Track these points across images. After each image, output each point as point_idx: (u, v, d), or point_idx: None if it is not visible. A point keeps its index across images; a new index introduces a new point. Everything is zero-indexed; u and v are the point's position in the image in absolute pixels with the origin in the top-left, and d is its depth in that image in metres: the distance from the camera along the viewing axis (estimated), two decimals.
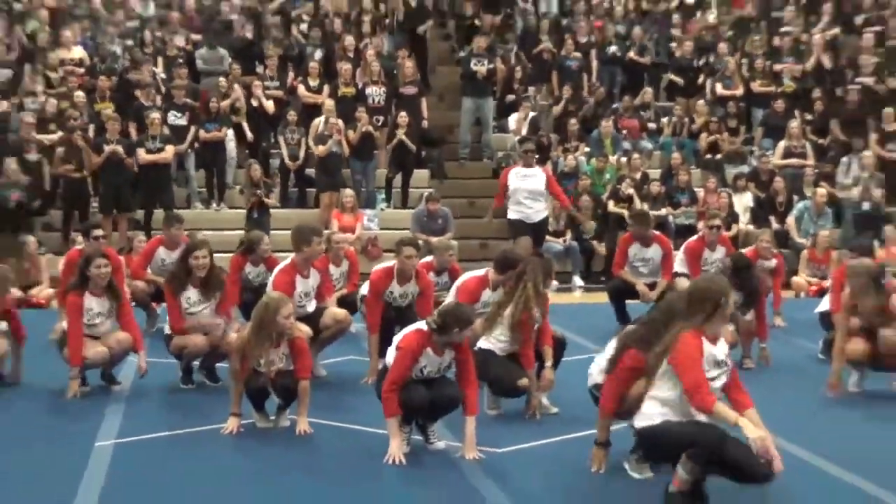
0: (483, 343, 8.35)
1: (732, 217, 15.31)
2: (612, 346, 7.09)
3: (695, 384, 5.90)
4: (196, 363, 9.59)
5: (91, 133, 16.41)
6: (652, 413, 6.22)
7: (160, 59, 18.25)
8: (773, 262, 11.99)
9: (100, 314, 9.18)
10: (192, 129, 16.88)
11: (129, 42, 18.61)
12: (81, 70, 17.72)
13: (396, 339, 7.41)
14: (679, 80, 19.76)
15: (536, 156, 15.20)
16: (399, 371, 7.03)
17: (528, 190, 13.89)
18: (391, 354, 7.25)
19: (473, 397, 7.26)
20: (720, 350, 6.26)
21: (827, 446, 7.61)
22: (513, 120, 18.70)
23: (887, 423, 8.61)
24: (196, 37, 18.82)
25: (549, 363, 8.54)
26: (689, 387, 5.94)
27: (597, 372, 7.30)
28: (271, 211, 16.44)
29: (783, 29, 20.54)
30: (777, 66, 19.54)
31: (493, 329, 8.34)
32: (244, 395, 7.94)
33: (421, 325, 7.28)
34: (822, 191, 16.70)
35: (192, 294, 9.30)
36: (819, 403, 9.19)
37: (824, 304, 11.04)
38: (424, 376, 7.26)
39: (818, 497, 6.72)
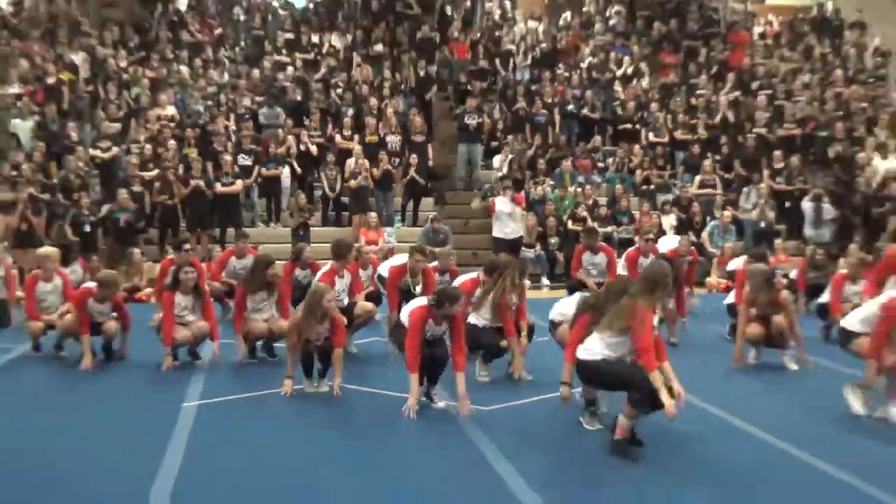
0: (472, 319, 8.57)
1: (661, 233, 15.29)
2: (568, 302, 7.79)
3: (647, 347, 6.12)
4: (259, 343, 9.68)
5: (180, 171, 16.43)
6: (594, 349, 6.41)
7: (232, 116, 18.29)
8: (689, 258, 12.02)
9: (186, 308, 9.29)
10: (256, 168, 16.93)
11: (209, 102, 18.62)
12: (173, 124, 17.77)
13: (405, 310, 7.87)
14: (623, 128, 19.74)
15: (513, 190, 15.53)
16: (414, 337, 7.30)
17: (507, 213, 13.95)
18: (404, 318, 7.70)
19: (462, 359, 7.47)
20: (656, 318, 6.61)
21: (732, 404, 7.68)
22: (496, 160, 18.77)
23: (777, 386, 8.75)
24: (259, 99, 18.79)
25: (524, 334, 8.83)
26: (642, 348, 6.14)
27: (555, 314, 8.21)
28: (313, 229, 16.45)
29: (698, 92, 20.55)
30: (693, 120, 19.55)
31: (479, 309, 8.60)
32: (297, 363, 8.12)
33: (423, 301, 7.59)
34: (728, 213, 16.77)
35: (259, 296, 9.43)
36: (726, 372, 9.28)
37: (730, 298, 11.12)
38: (427, 339, 7.53)
39: (722, 441, 6.77)
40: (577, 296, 7.97)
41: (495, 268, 8.66)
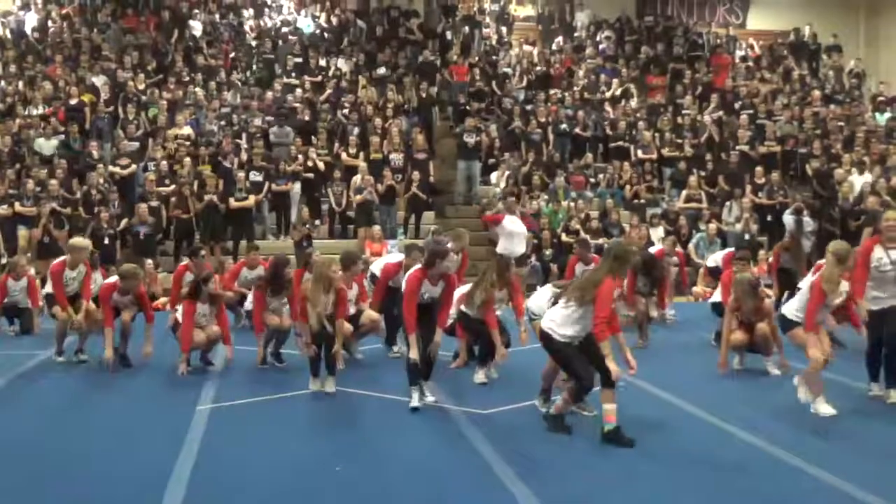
0: (464, 308, 8.78)
1: (650, 244, 15.26)
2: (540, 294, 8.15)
3: (604, 318, 6.42)
4: (270, 349, 9.65)
5: (195, 187, 16.41)
6: (556, 316, 6.80)
7: (244, 135, 18.26)
8: (675, 259, 12.04)
9: (204, 315, 9.29)
10: (267, 184, 16.91)
11: (223, 122, 18.65)
12: (188, 142, 17.76)
13: (405, 278, 7.99)
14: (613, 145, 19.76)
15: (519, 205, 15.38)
16: (410, 298, 7.52)
17: (516, 232, 13.63)
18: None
19: (445, 315, 7.85)
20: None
21: (718, 406, 7.66)
22: (494, 176, 18.78)
23: (762, 391, 8.66)
24: (269, 119, 18.80)
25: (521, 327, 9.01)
26: (600, 318, 6.43)
27: (534, 305, 8.45)
28: (321, 241, 16.43)
29: (684, 112, 20.60)
30: (679, 139, 19.57)
31: (470, 301, 8.71)
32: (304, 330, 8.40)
33: (418, 266, 7.93)
34: (713, 226, 16.77)
35: (272, 300, 9.58)
36: (711, 375, 9.19)
37: (716, 297, 11.06)
38: (425, 301, 7.67)
39: (707, 441, 6.76)
40: (548, 287, 8.72)
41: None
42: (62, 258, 10.42)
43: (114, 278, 9.76)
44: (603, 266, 6.95)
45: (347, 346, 9.52)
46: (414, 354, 7.44)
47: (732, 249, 12.08)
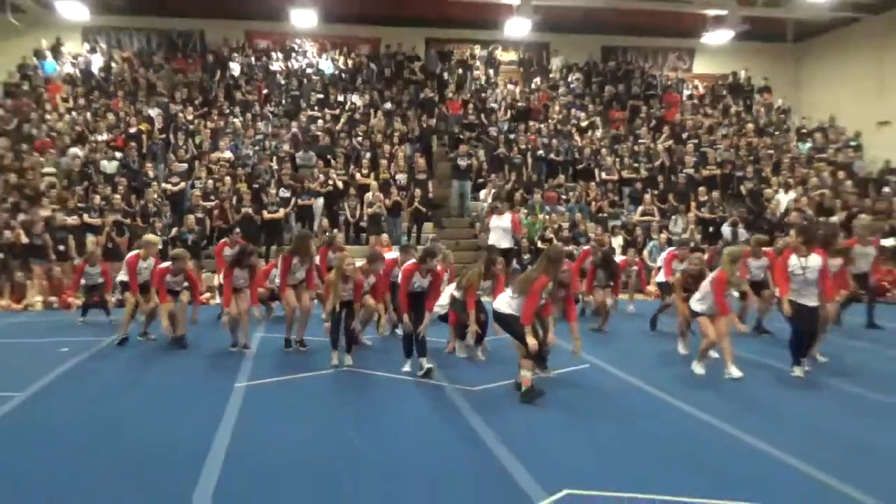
0: (455, 292, 9.11)
1: (612, 251, 15.25)
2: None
3: (530, 309, 7.07)
4: (293, 337, 9.75)
5: (234, 201, 16.47)
6: (502, 303, 7.40)
7: (275, 158, 18.32)
8: (635, 267, 12.31)
9: (241, 279, 9.68)
10: (294, 199, 16.97)
11: (256, 148, 18.71)
12: (228, 164, 17.83)
13: (401, 270, 8.57)
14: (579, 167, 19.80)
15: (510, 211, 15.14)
16: (406, 286, 8.21)
17: (502, 228, 13.54)
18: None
19: (432, 302, 8.38)
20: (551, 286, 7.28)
21: (652, 378, 7.76)
22: (482, 194, 18.79)
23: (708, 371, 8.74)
24: (296, 144, 18.88)
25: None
26: (527, 310, 7.06)
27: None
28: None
29: (640, 141, 20.70)
30: (636, 163, 19.65)
31: (459, 284, 9.06)
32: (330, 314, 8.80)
33: (413, 259, 8.74)
34: (664, 235, 16.74)
35: (297, 261, 9.75)
36: (657, 357, 9.31)
37: (661, 277, 11.65)
38: (416, 289, 8.27)
39: (649, 405, 6.84)
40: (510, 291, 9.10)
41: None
42: (136, 251, 10.75)
43: (166, 263, 10.11)
44: (540, 266, 7.40)
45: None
46: (408, 328, 8.17)
47: (672, 248, 12.19)
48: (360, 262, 9.34)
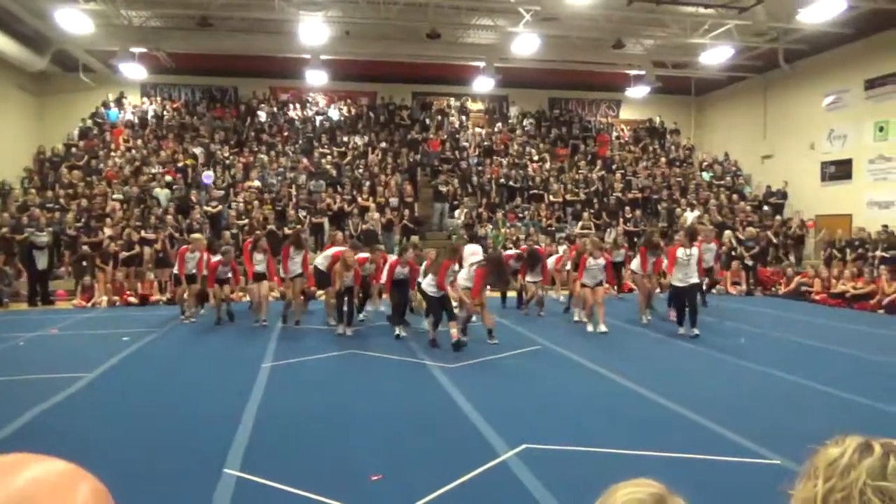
0: (426, 284, 8.99)
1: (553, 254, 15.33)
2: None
3: (441, 281, 8.32)
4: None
5: (261, 219, 16.30)
6: (425, 283, 8.56)
7: (293, 186, 18.20)
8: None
9: (261, 261, 10.55)
10: (308, 218, 16.82)
11: (279, 178, 18.57)
12: (257, 191, 17.67)
13: (388, 265, 9.53)
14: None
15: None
16: (390, 275, 9.22)
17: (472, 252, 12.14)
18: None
19: (414, 282, 9.32)
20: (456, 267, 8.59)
21: (578, 351, 7.77)
22: (456, 213, 18.78)
23: (605, 340, 8.76)
24: (310, 175, 18.79)
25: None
26: (440, 280, 8.30)
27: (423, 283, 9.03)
28: None
29: (579, 171, 20.79)
30: (576, 189, 19.76)
31: (426, 276, 9.02)
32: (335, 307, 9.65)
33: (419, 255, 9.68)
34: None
35: (293, 251, 10.59)
36: (575, 333, 9.38)
37: (635, 266, 11.91)
38: (399, 277, 9.24)
39: (568, 367, 6.79)
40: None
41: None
42: (185, 246, 11.33)
43: (217, 257, 10.86)
44: (444, 254, 8.77)
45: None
46: (396, 304, 9.32)
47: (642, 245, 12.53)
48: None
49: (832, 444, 1.01)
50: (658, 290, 12.18)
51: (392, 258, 10.24)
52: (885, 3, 14.59)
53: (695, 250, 9.39)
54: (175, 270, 11.35)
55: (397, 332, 9.11)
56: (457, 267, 9.02)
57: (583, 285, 10.15)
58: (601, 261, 10.25)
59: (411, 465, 4.39)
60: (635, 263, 11.68)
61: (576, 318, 10.68)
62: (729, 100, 23.09)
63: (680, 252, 9.33)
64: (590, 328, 9.79)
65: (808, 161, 19.02)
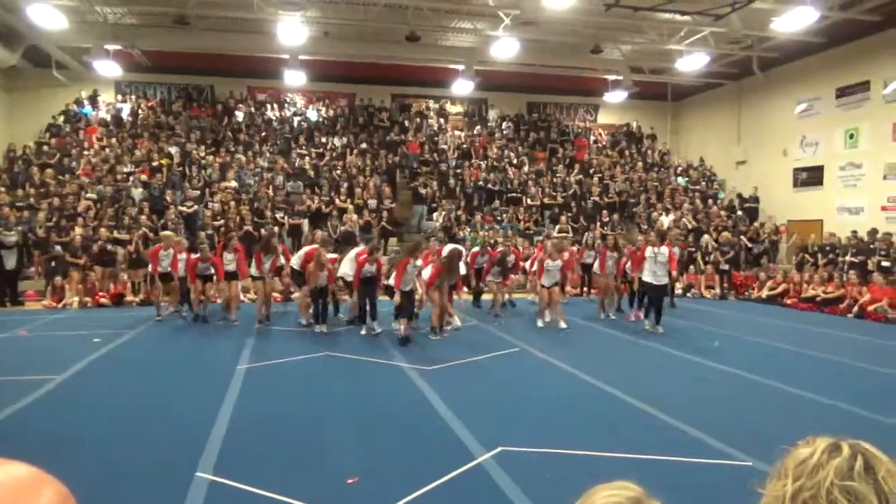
0: (391, 281, 9.27)
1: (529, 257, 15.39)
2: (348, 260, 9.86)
3: (398, 278, 8.55)
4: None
5: (238, 220, 16.10)
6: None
7: (271, 187, 18.05)
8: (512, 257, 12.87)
9: (231, 261, 10.81)
10: (286, 219, 16.68)
11: (257, 178, 18.40)
12: (233, 191, 17.48)
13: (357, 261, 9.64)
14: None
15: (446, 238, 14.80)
16: (358, 272, 9.40)
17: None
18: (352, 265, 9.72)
19: (379, 282, 9.58)
20: (414, 264, 8.83)
21: (543, 348, 7.81)
22: (435, 215, 18.76)
23: (565, 336, 8.80)
24: (288, 176, 18.65)
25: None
26: (398, 279, 8.60)
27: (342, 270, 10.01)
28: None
29: (557, 175, 20.92)
30: (554, 192, 19.86)
31: (390, 275, 9.35)
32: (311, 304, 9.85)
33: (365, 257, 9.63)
34: (574, 248, 16.91)
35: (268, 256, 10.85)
36: (539, 331, 9.44)
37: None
38: (367, 275, 9.44)
39: (551, 379, 6.81)
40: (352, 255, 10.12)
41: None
42: (158, 245, 11.28)
43: (196, 255, 10.85)
44: (404, 251, 9.12)
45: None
46: (359, 303, 9.51)
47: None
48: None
49: (802, 444, 1.04)
50: (624, 291, 12.53)
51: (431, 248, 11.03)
52: (856, 14, 14.94)
53: (664, 249, 9.84)
54: (149, 270, 11.26)
55: (364, 331, 9.45)
56: (419, 263, 9.23)
57: (541, 286, 10.71)
58: (559, 262, 10.70)
59: (387, 468, 4.37)
60: (596, 264, 12.44)
61: (560, 322, 10.60)
62: (704, 106, 23.42)
63: (649, 251, 9.88)
64: (539, 323, 10.45)
65: (780, 167, 19.37)
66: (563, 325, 10.18)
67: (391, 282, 9.07)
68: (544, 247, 11.62)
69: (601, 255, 12.07)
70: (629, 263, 11.39)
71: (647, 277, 9.92)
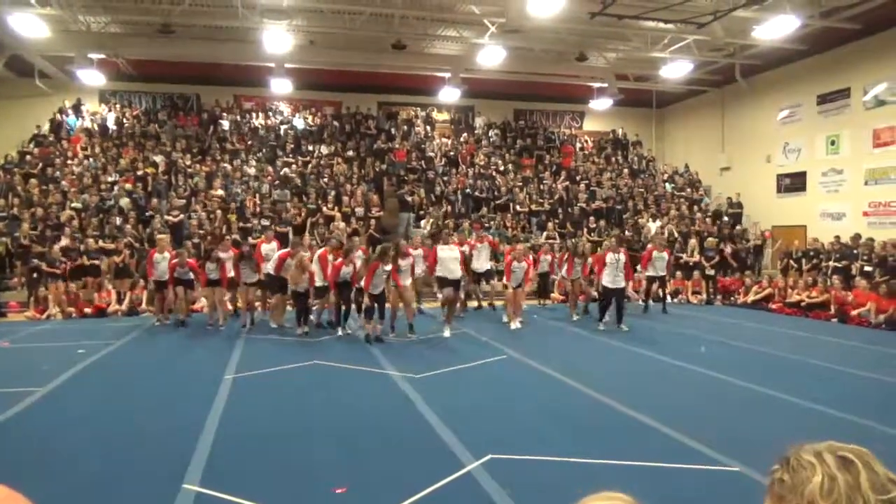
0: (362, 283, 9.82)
1: None
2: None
3: (367, 280, 9.14)
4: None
5: (224, 229, 16.03)
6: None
7: (257, 195, 17.98)
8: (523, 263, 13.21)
9: (213, 270, 11.11)
10: (273, 227, 16.50)
11: (243, 187, 18.32)
12: (220, 200, 17.39)
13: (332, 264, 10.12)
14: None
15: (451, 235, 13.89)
16: (335, 273, 9.84)
17: (453, 258, 11.29)
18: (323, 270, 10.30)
19: (353, 284, 9.99)
20: (384, 268, 9.26)
21: (518, 349, 7.82)
22: (422, 223, 18.72)
23: (535, 335, 8.84)
24: (274, 184, 18.58)
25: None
26: (367, 281, 9.19)
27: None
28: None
29: (544, 182, 21.01)
30: (541, 199, 19.93)
31: (361, 274, 9.79)
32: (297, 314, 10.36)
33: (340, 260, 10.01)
34: (565, 254, 16.97)
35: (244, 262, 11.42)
36: (531, 339, 9.43)
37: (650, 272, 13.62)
38: (343, 278, 9.92)
39: (540, 386, 6.82)
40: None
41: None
42: (153, 248, 11.58)
43: (175, 260, 11.14)
44: (374, 256, 9.45)
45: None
46: (335, 300, 9.99)
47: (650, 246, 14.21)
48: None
49: (799, 467, 0.96)
50: (591, 294, 13.10)
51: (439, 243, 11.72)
52: (836, 22, 15.18)
53: (622, 255, 10.71)
54: (151, 276, 11.60)
55: (340, 332, 10.02)
56: (388, 267, 9.60)
57: (504, 286, 11.48)
58: (523, 264, 11.37)
59: (375, 477, 4.35)
60: (564, 269, 13.01)
61: (510, 323, 11.26)
62: (688, 113, 23.65)
63: (609, 257, 10.68)
64: (505, 319, 11.28)
65: (764, 173, 19.58)
66: (517, 324, 10.92)
67: (363, 284, 9.66)
68: (514, 251, 12.12)
69: (568, 261, 12.83)
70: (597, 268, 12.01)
71: (605, 281, 10.80)
